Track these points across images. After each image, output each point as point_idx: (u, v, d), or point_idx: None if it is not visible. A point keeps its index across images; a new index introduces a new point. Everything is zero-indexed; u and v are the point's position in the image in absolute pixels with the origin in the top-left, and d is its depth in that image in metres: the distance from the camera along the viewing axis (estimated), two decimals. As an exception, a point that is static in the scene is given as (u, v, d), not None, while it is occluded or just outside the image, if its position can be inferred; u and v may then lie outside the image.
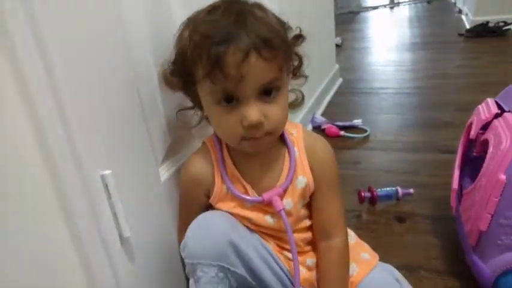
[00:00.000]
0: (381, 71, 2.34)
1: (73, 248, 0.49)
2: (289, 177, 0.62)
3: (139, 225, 0.60)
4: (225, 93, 0.53)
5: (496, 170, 0.66)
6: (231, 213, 0.62)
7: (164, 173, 0.67)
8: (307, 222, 0.67)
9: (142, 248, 0.61)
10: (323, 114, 1.68)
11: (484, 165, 0.71)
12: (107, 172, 0.52)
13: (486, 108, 0.80)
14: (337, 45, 2.40)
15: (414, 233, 0.94)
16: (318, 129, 1.52)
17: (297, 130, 0.65)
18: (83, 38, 0.48)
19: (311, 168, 0.63)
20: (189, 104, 0.64)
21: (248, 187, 0.62)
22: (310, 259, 0.67)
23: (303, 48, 0.62)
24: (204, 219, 0.60)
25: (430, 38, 3.00)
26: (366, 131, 1.48)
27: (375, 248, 0.73)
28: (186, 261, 0.59)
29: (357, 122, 1.53)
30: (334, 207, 0.65)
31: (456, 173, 0.85)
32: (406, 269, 0.77)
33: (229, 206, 0.63)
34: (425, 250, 0.88)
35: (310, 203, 0.66)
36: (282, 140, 0.64)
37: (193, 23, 0.55)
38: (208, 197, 0.64)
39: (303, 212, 0.66)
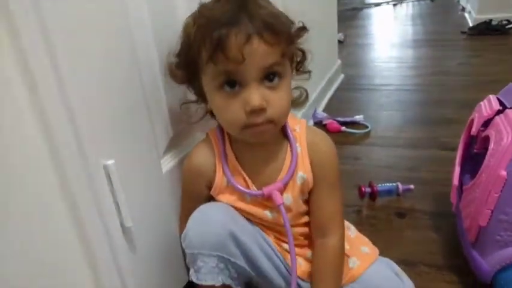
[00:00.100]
0: (383, 68, 2.33)
1: (75, 237, 0.50)
2: (290, 172, 0.62)
3: (141, 215, 0.60)
4: (227, 76, 0.53)
5: (496, 166, 0.66)
6: (231, 206, 0.63)
7: (166, 164, 0.68)
8: (307, 218, 0.67)
9: (144, 238, 0.61)
10: (324, 110, 1.68)
11: (485, 161, 0.71)
12: (110, 162, 0.52)
13: (488, 104, 0.80)
14: (339, 42, 2.38)
15: (414, 228, 0.94)
16: (319, 124, 1.52)
17: (300, 126, 0.65)
18: (86, 27, 0.48)
19: (312, 165, 0.63)
20: (193, 98, 0.65)
21: (249, 181, 0.63)
22: (310, 252, 0.67)
23: (306, 44, 0.62)
24: (204, 210, 0.60)
25: (433, 35, 2.98)
26: (367, 126, 1.48)
27: (375, 242, 0.74)
28: (187, 251, 0.59)
29: (358, 117, 1.53)
30: (332, 206, 0.65)
31: (457, 169, 0.85)
32: (406, 264, 0.77)
33: (230, 198, 0.63)
34: (425, 245, 0.88)
35: (308, 199, 0.66)
36: (285, 135, 0.64)
37: (198, 11, 0.56)
38: (210, 188, 0.64)
39: (304, 207, 0.66)
